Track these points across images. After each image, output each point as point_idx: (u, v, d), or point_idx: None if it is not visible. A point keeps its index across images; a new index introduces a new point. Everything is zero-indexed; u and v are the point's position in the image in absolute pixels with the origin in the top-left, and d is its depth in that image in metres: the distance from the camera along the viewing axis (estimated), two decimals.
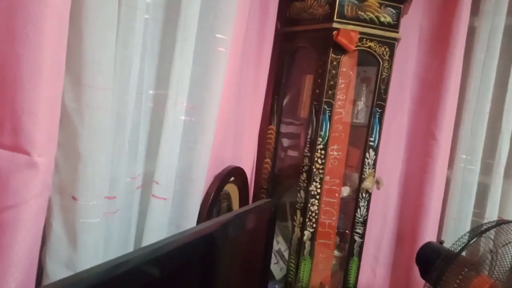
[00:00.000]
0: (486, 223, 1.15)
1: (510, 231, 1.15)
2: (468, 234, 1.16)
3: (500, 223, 1.13)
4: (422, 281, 1.62)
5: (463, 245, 1.11)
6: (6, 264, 0.54)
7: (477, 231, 1.14)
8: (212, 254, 0.91)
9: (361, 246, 1.48)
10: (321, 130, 1.39)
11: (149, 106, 1.01)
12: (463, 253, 1.14)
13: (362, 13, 1.36)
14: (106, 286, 0.55)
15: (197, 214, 1.16)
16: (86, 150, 0.69)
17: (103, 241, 0.80)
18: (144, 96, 0.96)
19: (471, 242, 1.15)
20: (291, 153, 1.60)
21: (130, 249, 0.99)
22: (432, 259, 1.27)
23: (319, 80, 1.39)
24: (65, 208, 0.72)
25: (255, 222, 1.10)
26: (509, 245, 1.12)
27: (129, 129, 0.86)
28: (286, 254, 1.53)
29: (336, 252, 1.52)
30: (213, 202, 1.26)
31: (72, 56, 0.65)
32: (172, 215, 1.06)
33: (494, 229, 1.12)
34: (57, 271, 0.72)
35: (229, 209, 1.46)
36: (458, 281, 1.10)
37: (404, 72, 1.72)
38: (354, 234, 1.47)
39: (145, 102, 0.97)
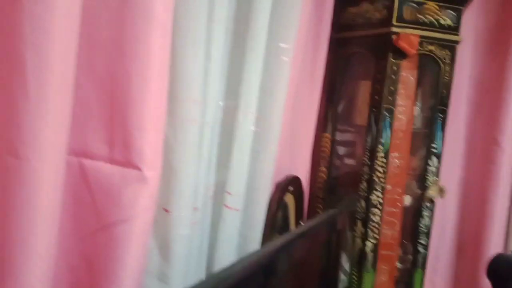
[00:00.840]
0: None
1: None
2: None
3: None
4: None
5: None
6: (120, 276, 0.55)
7: None
8: (284, 271, 0.90)
9: (425, 258, 1.42)
10: (382, 137, 1.35)
11: (219, 117, 1.01)
12: None
13: (422, 16, 1.32)
14: None
15: (262, 224, 1.16)
16: (179, 163, 0.69)
17: (188, 252, 0.80)
18: (216, 107, 0.96)
19: None
20: (347, 161, 1.57)
21: (204, 260, 0.98)
22: (508, 273, 1.21)
23: (377, 86, 1.36)
24: (156, 220, 0.72)
25: (324, 235, 1.08)
26: None
27: (209, 141, 0.86)
28: (346, 266, 1.49)
29: (398, 264, 1.47)
30: (276, 211, 1.25)
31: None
32: (242, 227, 1.06)
33: None
34: (149, 284, 0.72)
35: (285, 218, 1.44)
36: None
37: (459, 76, 1.66)
38: (418, 245, 1.42)
39: (217, 112, 0.98)
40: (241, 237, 1.08)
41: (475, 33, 1.66)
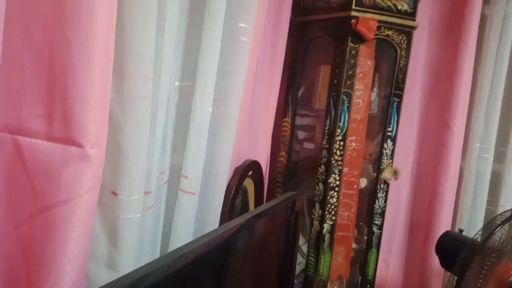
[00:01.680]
0: (508, 210, 1.15)
1: None
2: (492, 222, 1.16)
3: None
4: (438, 271, 1.64)
5: (488, 234, 1.11)
6: (61, 261, 0.51)
7: (502, 218, 1.14)
8: (241, 251, 0.89)
9: (379, 238, 1.48)
10: (340, 121, 1.37)
11: (175, 98, 0.97)
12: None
13: (380, 1, 1.34)
14: None
15: (220, 209, 1.14)
16: (128, 142, 0.66)
17: (139, 237, 0.76)
18: (172, 88, 0.92)
19: (496, 231, 1.16)
20: (307, 145, 1.58)
21: (158, 246, 0.95)
22: (453, 248, 1.27)
23: (337, 70, 1.37)
24: (105, 204, 0.68)
25: (282, 217, 1.08)
26: None
27: (162, 122, 0.82)
28: (304, 248, 1.51)
29: (354, 245, 1.51)
30: (234, 196, 1.23)
31: (117, 43, 0.61)
32: (198, 212, 1.03)
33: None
34: (97, 271, 0.68)
35: (245, 204, 1.43)
36: (483, 271, 1.10)
37: (414, 62, 1.71)
38: (373, 225, 1.46)
39: (172, 93, 0.94)
40: (198, 222, 1.06)
41: (430, 20, 1.71)
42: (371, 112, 1.50)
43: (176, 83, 0.97)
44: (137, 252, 0.73)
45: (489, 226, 1.17)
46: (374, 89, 1.54)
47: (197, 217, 1.06)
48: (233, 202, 1.23)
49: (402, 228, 1.80)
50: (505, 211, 1.18)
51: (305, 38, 1.52)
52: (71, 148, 0.51)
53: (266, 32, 1.36)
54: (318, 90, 1.52)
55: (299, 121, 1.57)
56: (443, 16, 1.68)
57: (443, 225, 1.61)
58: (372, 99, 1.55)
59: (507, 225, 1.21)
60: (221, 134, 1.09)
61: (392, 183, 1.68)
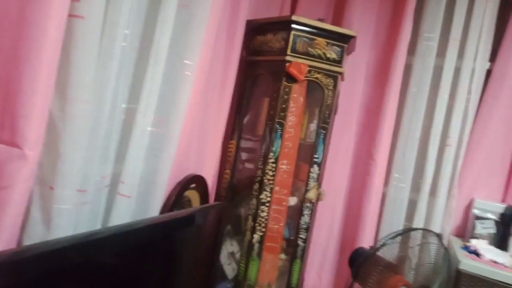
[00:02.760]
0: (398, 230, 1.38)
1: (417, 238, 1.38)
2: (385, 238, 1.38)
3: (409, 230, 1.36)
4: None
5: (378, 247, 1.33)
6: None
7: (390, 236, 1.37)
8: (160, 247, 1.07)
9: (303, 250, 1.68)
10: (273, 146, 1.60)
11: (121, 118, 1.19)
12: (381, 255, 1.36)
13: (312, 49, 1.60)
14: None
15: (158, 212, 1.34)
16: (65, 150, 0.87)
17: (72, 227, 0.96)
18: (118, 109, 1.15)
19: (383, 244, 1.38)
20: (248, 165, 1.81)
21: None
22: (360, 260, 1.49)
23: (273, 103, 1.61)
24: (44, 196, 0.89)
25: (205, 221, 1.28)
26: (415, 247, 1.34)
27: (102, 136, 1.04)
28: (238, 256, 1.71)
29: (283, 256, 1.71)
30: (173, 205, 1.43)
31: (61, 75, 0.83)
32: (135, 214, 1.23)
33: (404, 235, 1.35)
34: None
35: None
36: (374, 277, 1.32)
37: (352, 101, 1.99)
38: (298, 239, 1.67)
39: (118, 114, 1.16)
40: None
41: (366, 66, 1.99)
42: (310, 141, 1.74)
43: (123, 105, 1.19)
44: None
45: (384, 242, 1.39)
46: (315, 121, 1.78)
47: (134, 218, 1.26)
48: (172, 208, 1.44)
49: (335, 245, 2.01)
50: (397, 231, 1.41)
51: (253, 74, 1.77)
52: (14, 149, 0.72)
53: (217, 67, 1.61)
54: (261, 118, 1.76)
55: (243, 144, 1.80)
56: (376, 63, 1.96)
57: (366, 244, 1.83)
58: (312, 129, 1.79)
59: (404, 244, 1.44)
60: (162, 149, 1.31)
61: (328, 204, 1.91)
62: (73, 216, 0.94)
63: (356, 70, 1.95)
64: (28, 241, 0.89)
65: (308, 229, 1.68)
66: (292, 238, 1.74)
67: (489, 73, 1.81)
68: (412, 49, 1.90)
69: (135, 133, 1.17)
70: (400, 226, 1.84)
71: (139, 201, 1.26)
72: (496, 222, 1.69)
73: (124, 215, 1.19)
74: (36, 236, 0.89)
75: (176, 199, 1.45)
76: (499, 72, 1.77)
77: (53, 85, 0.78)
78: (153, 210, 1.32)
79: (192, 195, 1.62)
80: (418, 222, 1.79)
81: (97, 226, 1.16)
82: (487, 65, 1.81)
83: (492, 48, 1.80)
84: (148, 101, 1.19)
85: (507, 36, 1.76)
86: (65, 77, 0.86)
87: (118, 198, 1.15)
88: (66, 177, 0.88)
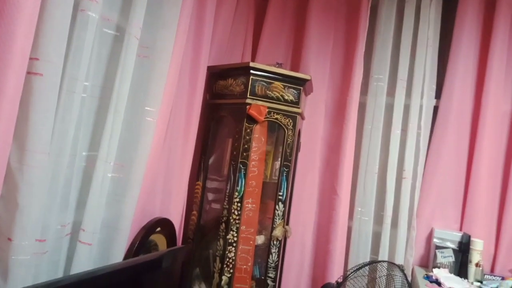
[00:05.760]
0: (359, 264, 1.42)
1: (382, 269, 1.43)
2: (348, 272, 1.43)
3: (370, 263, 1.41)
4: None
5: (341, 281, 1.37)
6: None
7: (352, 270, 1.41)
8: None
9: None
10: (237, 185, 1.64)
11: (82, 165, 1.21)
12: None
13: (270, 92, 1.70)
14: None
15: (122, 259, 1.33)
16: (23, 200, 0.88)
17: (32, 278, 0.96)
18: (78, 157, 1.17)
19: (346, 278, 1.42)
20: (214, 206, 1.83)
21: None
22: None
23: (236, 144, 1.68)
24: (1, 247, 0.89)
25: (172, 264, 1.29)
26: (382, 278, 1.39)
27: (62, 184, 1.06)
28: None
29: None
30: (138, 249, 1.43)
31: (20, 128, 0.87)
32: (96, 261, 1.23)
33: (368, 267, 1.40)
34: None
35: None
36: None
37: (314, 138, 2.08)
38: (267, 278, 1.68)
39: (79, 162, 1.18)
40: None
41: (326, 105, 2.10)
42: (275, 178, 1.80)
43: (84, 153, 1.22)
44: None
45: (346, 276, 1.43)
46: (279, 159, 1.85)
47: (97, 264, 1.25)
48: (137, 253, 1.43)
49: (306, 281, 2.02)
50: (360, 263, 1.46)
51: (216, 116, 1.84)
52: None
53: (180, 111, 1.67)
54: (226, 158, 1.81)
55: (209, 184, 1.84)
56: (334, 102, 2.08)
57: (334, 279, 1.85)
58: (277, 167, 1.86)
59: (366, 276, 1.48)
60: (124, 195, 1.33)
61: (298, 241, 1.94)
62: (32, 267, 0.93)
63: (316, 109, 2.06)
64: None
65: (277, 268, 1.69)
66: (262, 277, 1.75)
67: (436, 109, 1.96)
68: (364, 89, 2.03)
69: (96, 180, 1.19)
70: (366, 259, 1.88)
71: (100, 248, 1.26)
72: (454, 251, 1.76)
73: (85, 262, 1.18)
74: None
75: (140, 243, 1.45)
76: (445, 108, 1.91)
77: (11, 139, 0.81)
78: (116, 256, 1.31)
79: (158, 238, 1.62)
80: (383, 254, 1.84)
81: (58, 275, 1.14)
82: (434, 101, 1.96)
83: (439, 86, 1.96)
84: (109, 148, 1.22)
85: (448, 75, 1.93)
86: (24, 130, 0.89)
87: (79, 246, 1.15)
88: (25, 227, 0.89)
